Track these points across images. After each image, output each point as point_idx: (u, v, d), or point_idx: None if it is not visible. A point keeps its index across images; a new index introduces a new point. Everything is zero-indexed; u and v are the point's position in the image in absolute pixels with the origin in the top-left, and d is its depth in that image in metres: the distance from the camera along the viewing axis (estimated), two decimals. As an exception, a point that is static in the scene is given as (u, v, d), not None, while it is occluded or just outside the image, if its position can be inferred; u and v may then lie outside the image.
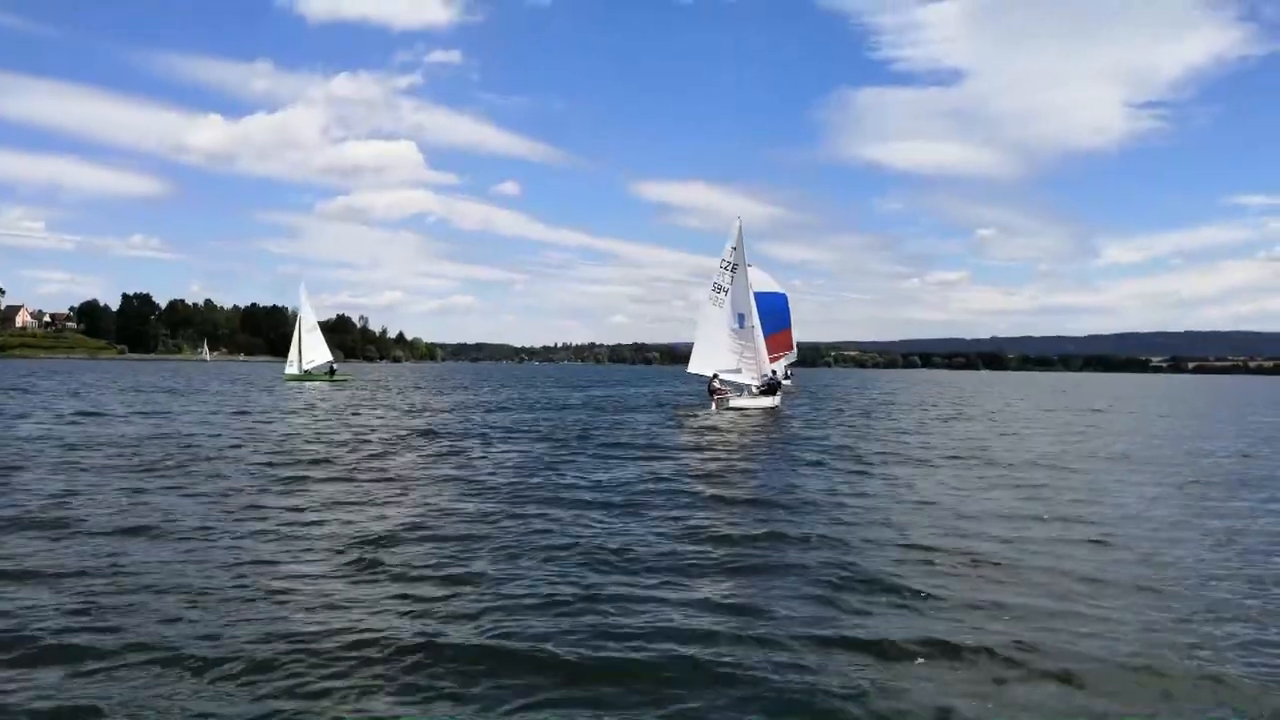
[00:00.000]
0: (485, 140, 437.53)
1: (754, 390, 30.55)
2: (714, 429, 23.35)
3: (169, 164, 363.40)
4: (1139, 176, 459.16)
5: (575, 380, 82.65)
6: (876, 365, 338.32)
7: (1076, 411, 37.93)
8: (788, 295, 34.20)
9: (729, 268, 30.85)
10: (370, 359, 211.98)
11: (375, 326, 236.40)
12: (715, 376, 30.53)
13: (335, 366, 56.67)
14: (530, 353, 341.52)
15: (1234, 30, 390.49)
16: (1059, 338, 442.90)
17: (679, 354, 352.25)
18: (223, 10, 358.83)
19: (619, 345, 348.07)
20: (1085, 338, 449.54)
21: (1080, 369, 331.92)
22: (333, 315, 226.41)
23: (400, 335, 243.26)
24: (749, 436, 21.72)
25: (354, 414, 27.82)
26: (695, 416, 28.16)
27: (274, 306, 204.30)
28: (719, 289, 30.98)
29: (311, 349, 54.47)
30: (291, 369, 54.74)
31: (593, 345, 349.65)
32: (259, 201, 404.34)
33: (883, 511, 10.93)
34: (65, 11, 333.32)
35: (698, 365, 31.55)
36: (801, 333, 50.97)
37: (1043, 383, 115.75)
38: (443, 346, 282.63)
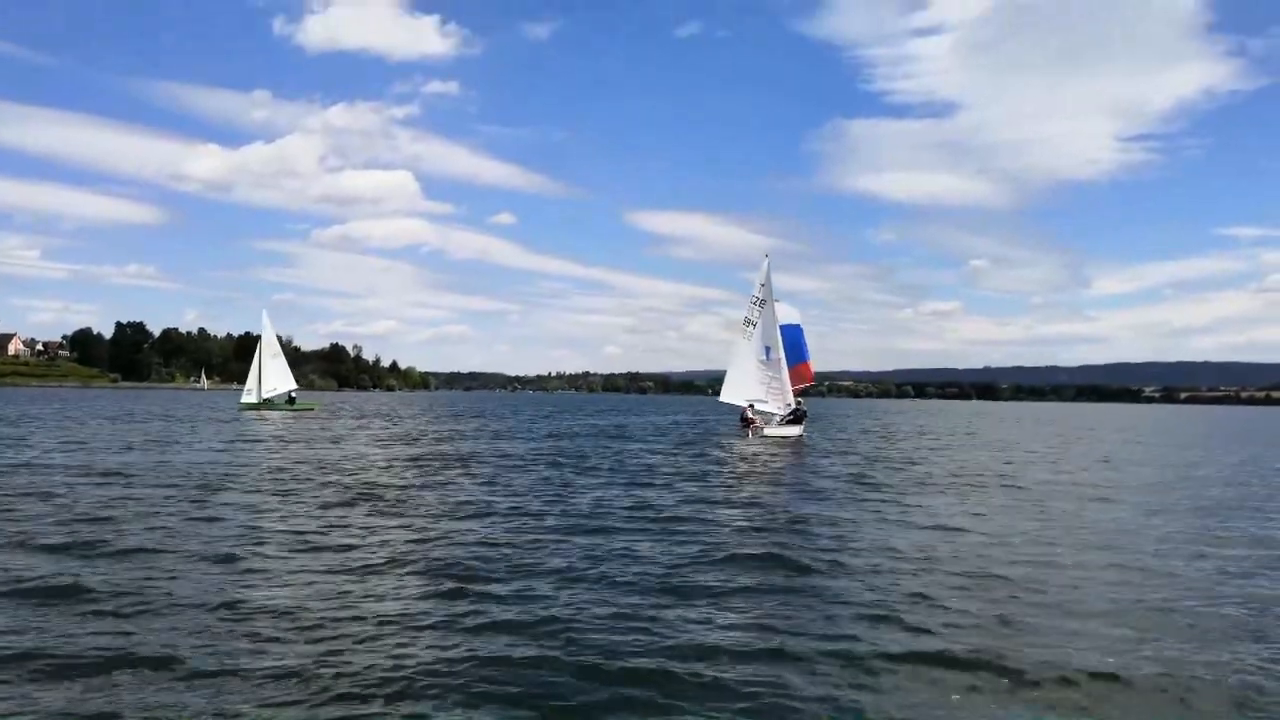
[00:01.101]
0: (482, 171, 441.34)
1: (779, 420, 32.66)
2: (748, 456, 25.42)
3: (167, 193, 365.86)
4: (1131, 208, 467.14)
5: (578, 409, 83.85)
6: (870, 395, 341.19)
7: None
8: (802, 327, 35.77)
9: (758, 303, 33.12)
10: (364, 388, 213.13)
11: (369, 355, 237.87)
12: (750, 406, 32.65)
13: (295, 395, 55.05)
14: (524, 382, 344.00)
15: (1224, 64, 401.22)
16: (1051, 368, 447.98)
17: (672, 383, 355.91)
18: (222, 40, 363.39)
19: (613, 375, 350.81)
20: (1077, 368, 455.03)
21: (1073, 399, 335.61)
22: (327, 344, 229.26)
23: (394, 364, 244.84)
24: (780, 462, 23.73)
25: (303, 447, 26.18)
26: (729, 444, 30.22)
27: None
28: (749, 323, 33.26)
29: (273, 376, 52.94)
30: (249, 397, 52.83)
31: (586, 374, 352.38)
32: (255, 230, 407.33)
33: (900, 534, 12.10)
34: (65, 40, 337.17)
35: (729, 395, 33.70)
36: (797, 362, 53.36)
37: (1076, 415, 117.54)
38: (436, 375, 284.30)
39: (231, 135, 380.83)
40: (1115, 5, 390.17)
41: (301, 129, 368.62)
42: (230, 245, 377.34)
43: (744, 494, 16.45)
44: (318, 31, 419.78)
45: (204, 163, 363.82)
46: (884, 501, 15.66)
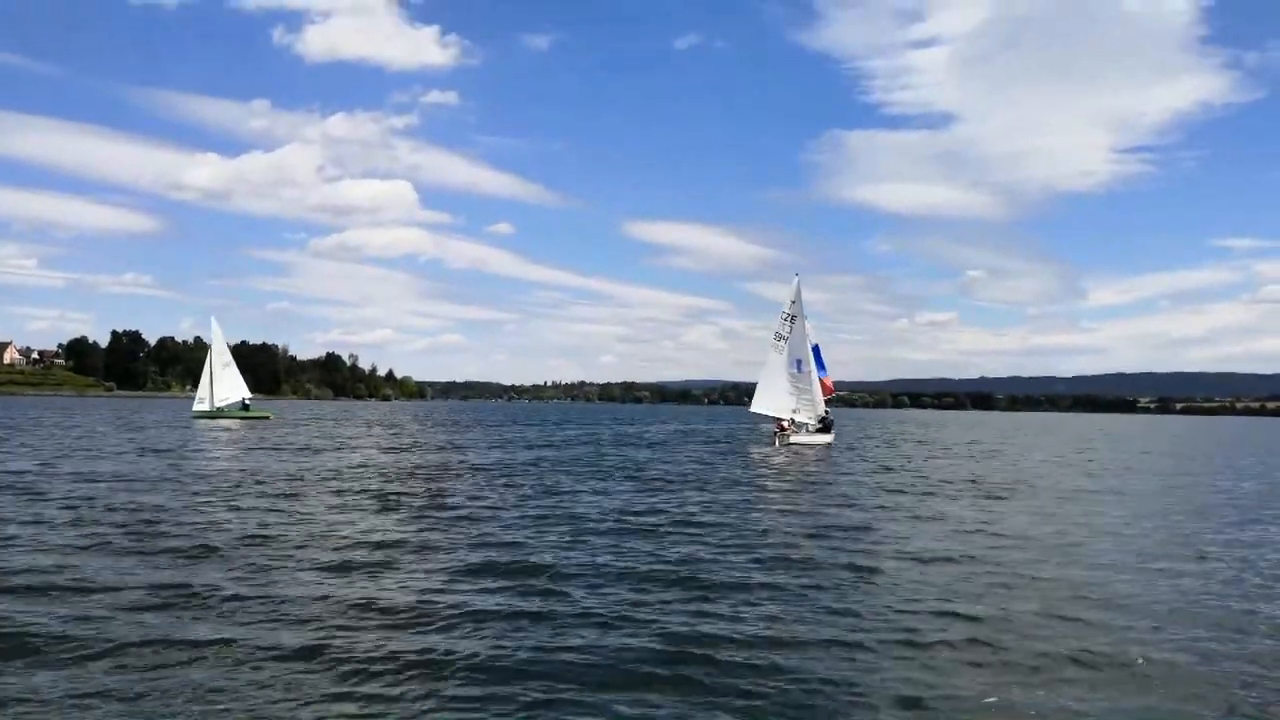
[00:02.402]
0: (480, 181, 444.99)
1: (810, 429, 35.28)
2: (780, 462, 27.83)
3: (164, 201, 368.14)
4: (1126, 220, 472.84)
5: (582, 419, 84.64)
6: (866, 405, 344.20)
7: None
8: (820, 346, 38.05)
9: (788, 319, 35.75)
10: (360, 397, 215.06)
11: (365, 364, 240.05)
12: (791, 419, 35.14)
13: (249, 401, 55.57)
14: (520, 391, 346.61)
15: (1220, 77, 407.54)
16: (1047, 378, 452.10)
17: (669, 393, 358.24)
18: (222, 49, 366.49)
19: (609, 384, 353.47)
20: (1073, 378, 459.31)
21: (1068, 409, 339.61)
22: (323, 353, 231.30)
23: (390, 373, 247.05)
24: (810, 468, 26.04)
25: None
26: (761, 451, 32.77)
27: (263, 344, 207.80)
28: (780, 337, 35.88)
29: (225, 385, 53.41)
30: (202, 405, 53.38)
31: (582, 384, 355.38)
32: (252, 239, 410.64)
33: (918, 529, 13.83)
34: (64, 50, 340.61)
35: (761, 405, 36.28)
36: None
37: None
38: (432, 385, 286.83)
39: (230, 144, 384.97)
40: (1111, 18, 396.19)
41: (300, 138, 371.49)
42: (227, 254, 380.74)
43: (785, 498, 17.91)
44: (317, 42, 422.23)
45: (202, 172, 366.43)
46: (916, 500, 18.21)
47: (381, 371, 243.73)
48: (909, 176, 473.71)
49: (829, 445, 34.78)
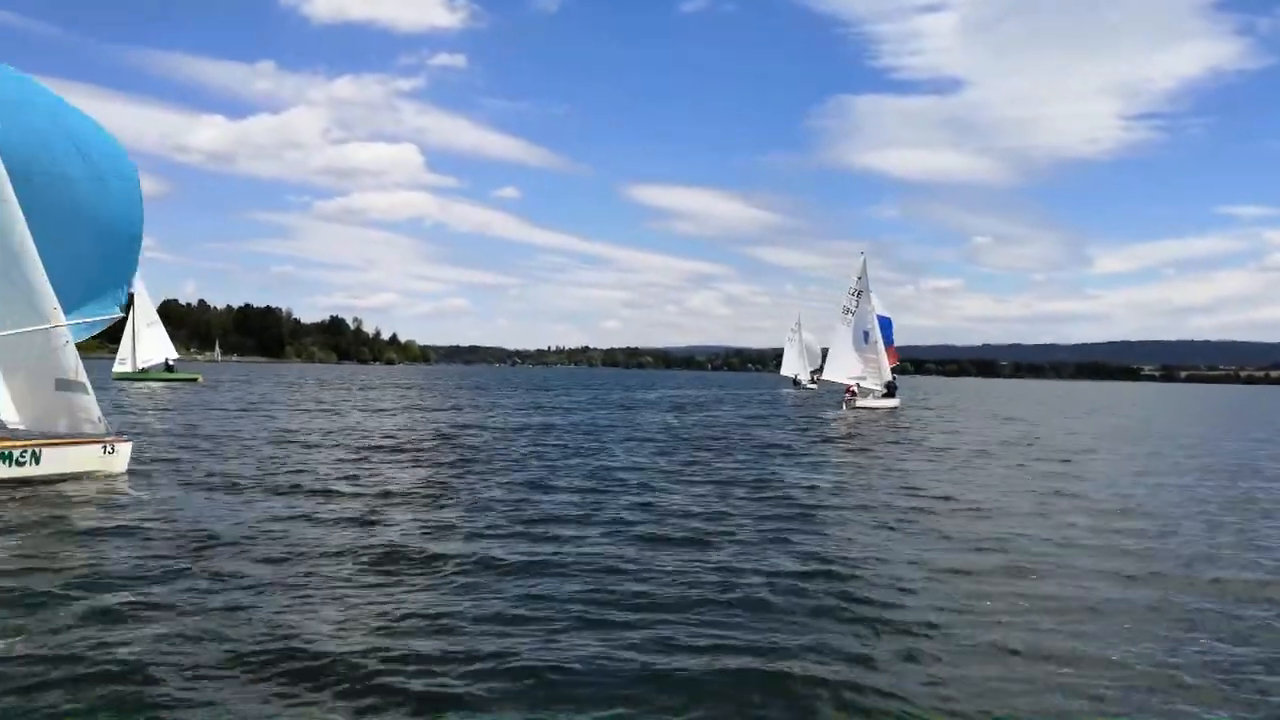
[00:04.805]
0: (486, 145, 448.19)
1: (877, 394, 39.32)
2: (850, 423, 31.15)
3: (168, 164, 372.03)
4: (1133, 186, 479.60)
5: (603, 384, 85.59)
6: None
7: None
8: (890, 319, 42.05)
9: (855, 294, 39.65)
10: (364, 361, 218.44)
11: (369, 328, 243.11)
12: (856, 383, 39.19)
13: (173, 363, 54.24)
14: (523, 356, 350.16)
15: (1230, 44, 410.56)
16: (1051, 345, 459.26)
17: (672, 359, 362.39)
18: (228, 11, 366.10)
19: (612, 349, 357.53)
20: (1077, 345, 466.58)
21: (1072, 377, 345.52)
22: (327, 316, 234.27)
23: (394, 337, 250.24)
24: (880, 430, 29.24)
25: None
26: (831, 414, 36.60)
27: (268, 307, 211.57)
28: (847, 310, 39.84)
29: (149, 346, 52.24)
30: (123, 366, 51.64)
31: (586, 349, 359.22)
32: (257, 202, 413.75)
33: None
34: (68, 11, 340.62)
35: (829, 373, 40.33)
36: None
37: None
38: (436, 349, 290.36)
39: (235, 107, 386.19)
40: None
41: (305, 101, 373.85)
42: (231, 217, 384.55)
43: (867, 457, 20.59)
44: (324, 3, 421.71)
45: (206, 134, 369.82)
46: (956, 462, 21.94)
47: (385, 335, 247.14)
48: (916, 142, 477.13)
49: (894, 410, 38.76)
